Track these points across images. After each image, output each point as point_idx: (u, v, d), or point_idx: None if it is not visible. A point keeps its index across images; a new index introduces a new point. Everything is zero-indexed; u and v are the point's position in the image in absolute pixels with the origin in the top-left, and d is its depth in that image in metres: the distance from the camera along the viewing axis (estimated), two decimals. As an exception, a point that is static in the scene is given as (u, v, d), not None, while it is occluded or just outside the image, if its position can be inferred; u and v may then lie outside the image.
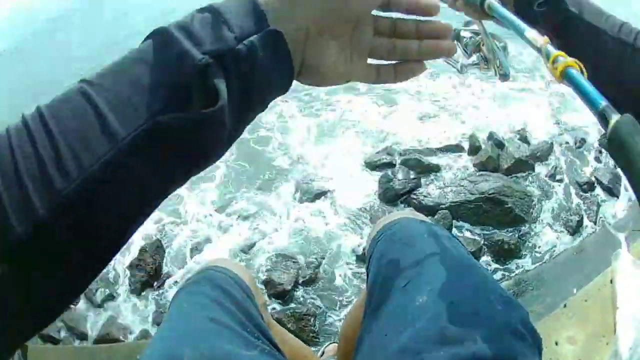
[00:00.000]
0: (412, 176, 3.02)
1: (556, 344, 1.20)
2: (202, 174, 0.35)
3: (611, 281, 1.25)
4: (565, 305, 1.33)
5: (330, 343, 1.27)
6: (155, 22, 0.34)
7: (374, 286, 0.64)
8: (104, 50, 5.21)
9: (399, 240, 0.66)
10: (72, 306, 3.20)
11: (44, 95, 0.33)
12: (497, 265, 2.84)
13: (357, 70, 0.40)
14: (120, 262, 3.08)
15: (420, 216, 0.76)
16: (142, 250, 2.92)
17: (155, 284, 2.85)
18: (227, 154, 0.37)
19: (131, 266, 2.91)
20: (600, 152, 3.58)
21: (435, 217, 2.80)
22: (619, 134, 0.27)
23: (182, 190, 3.53)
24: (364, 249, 2.68)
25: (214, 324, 0.57)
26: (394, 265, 0.62)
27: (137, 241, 3.12)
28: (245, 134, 0.41)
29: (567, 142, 3.64)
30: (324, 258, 2.85)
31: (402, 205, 2.91)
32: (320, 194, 3.22)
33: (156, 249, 2.92)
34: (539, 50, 0.37)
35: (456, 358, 0.45)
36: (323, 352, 1.18)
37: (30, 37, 7.05)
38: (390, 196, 2.95)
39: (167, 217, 3.24)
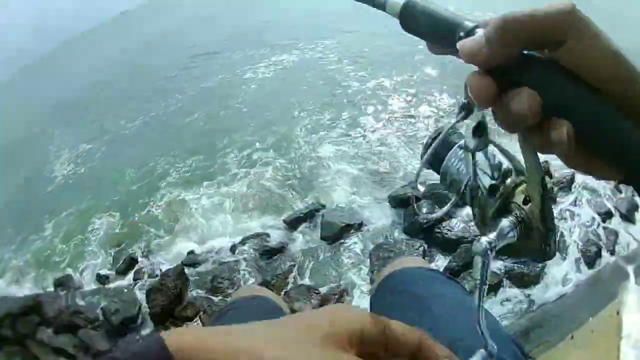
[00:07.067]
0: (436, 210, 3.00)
1: (563, 373, 1.21)
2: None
3: (617, 312, 1.26)
4: (572, 337, 1.34)
5: None
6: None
7: None
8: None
9: (397, 287, 0.71)
10: (88, 325, 3.20)
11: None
12: (516, 296, 2.85)
13: None
14: (141, 285, 3.08)
15: (420, 262, 0.81)
16: (164, 275, 2.91)
17: (176, 309, 2.84)
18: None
19: (152, 290, 2.88)
20: (620, 181, 3.57)
21: (458, 251, 2.80)
22: None
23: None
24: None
25: None
26: (393, 308, 0.66)
27: (159, 264, 3.13)
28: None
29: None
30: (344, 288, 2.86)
31: (424, 239, 2.91)
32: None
33: (179, 274, 2.89)
34: None
35: None
36: None
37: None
38: (414, 230, 2.94)
39: (193, 244, 3.25)
